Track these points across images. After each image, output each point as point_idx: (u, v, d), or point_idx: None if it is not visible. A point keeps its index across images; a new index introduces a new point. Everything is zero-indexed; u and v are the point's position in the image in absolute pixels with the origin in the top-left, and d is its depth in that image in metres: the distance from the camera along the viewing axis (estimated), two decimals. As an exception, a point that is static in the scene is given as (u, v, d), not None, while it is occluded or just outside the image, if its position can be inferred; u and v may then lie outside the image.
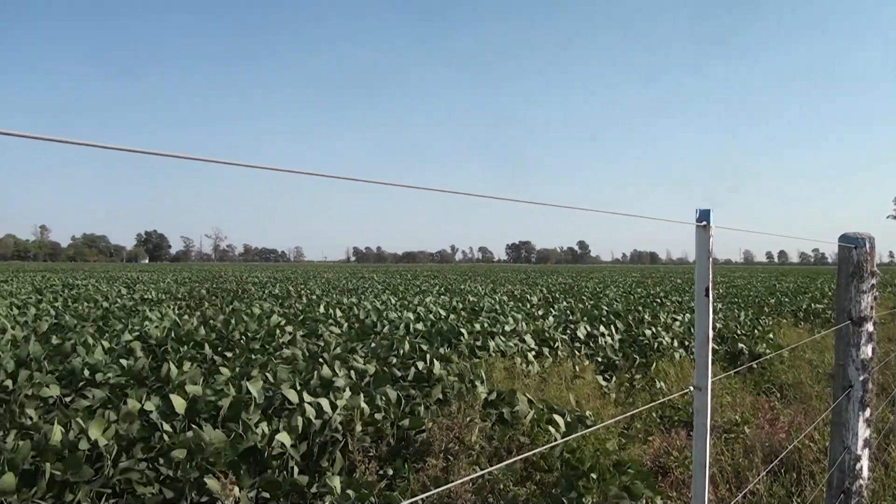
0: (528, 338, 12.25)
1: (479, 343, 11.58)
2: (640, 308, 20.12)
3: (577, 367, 10.81)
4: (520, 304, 21.82)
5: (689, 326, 15.13)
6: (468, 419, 6.99)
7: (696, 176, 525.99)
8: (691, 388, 2.91)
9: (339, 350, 10.10)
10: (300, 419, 6.39)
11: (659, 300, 24.68)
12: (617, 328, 14.43)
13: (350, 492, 5.33)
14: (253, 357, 9.83)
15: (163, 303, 22.97)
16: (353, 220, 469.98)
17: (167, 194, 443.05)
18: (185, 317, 16.33)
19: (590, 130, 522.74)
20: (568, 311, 18.92)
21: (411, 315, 15.93)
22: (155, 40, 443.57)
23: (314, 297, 26.50)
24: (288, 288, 34.01)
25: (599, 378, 10.38)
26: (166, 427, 6.11)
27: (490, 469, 4.37)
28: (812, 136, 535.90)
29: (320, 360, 9.37)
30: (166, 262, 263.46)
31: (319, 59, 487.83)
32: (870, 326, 4.81)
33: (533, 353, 11.44)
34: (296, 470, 5.86)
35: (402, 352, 10.11)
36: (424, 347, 10.63)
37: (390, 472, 6.33)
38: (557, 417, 7.10)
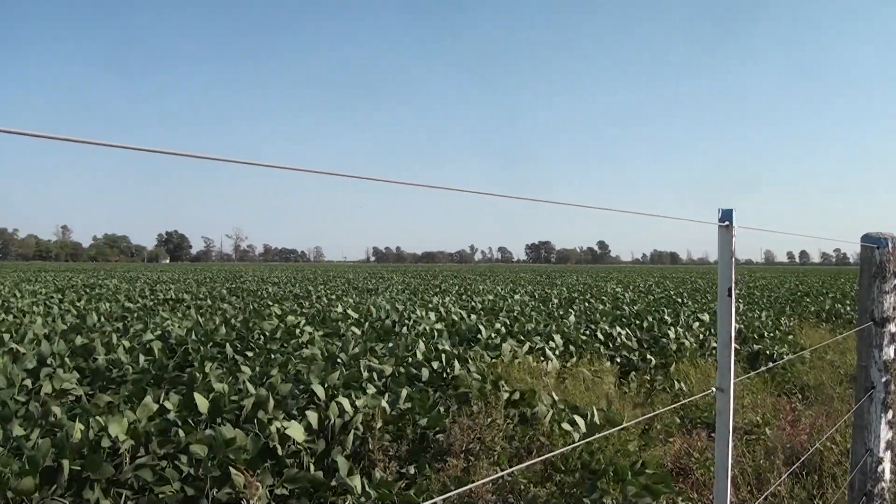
0: (556, 337, 12.23)
1: (498, 343, 11.56)
2: (661, 308, 20.05)
3: (597, 368, 10.77)
4: (540, 305, 21.79)
5: (709, 327, 15.06)
6: (489, 419, 6.98)
7: (716, 177, 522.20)
8: (713, 390, 2.89)
9: (358, 350, 10.11)
10: (314, 415, 6.42)
11: (680, 300, 24.59)
12: (637, 328, 14.39)
13: (370, 491, 5.33)
14: (272, 357, 9.86)
15: (183, 302, 23.08)
16: (373, 221, 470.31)
17: (188, 195, 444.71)
18: (206, 316, 16.40)
19: (602, 131, 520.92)
20: (588, 312, 18.88)
21: (431, 315, 15.93)
22: (156, 40, 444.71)
23: (333, 297, 26.56)
24: (308, 288, 34.10)
25: (620, 378, 10.35)
26: (186, 425, 6.14)
27: (511, 469, 4.36)
28: (832, 135, 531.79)
29: (339, 359, 9.39)
30: (187, 262, 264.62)
31: (320, 59, 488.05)
32: (892, 327, 4.77)
33: (553, 353, 11.41)
34: (311, 468, 5.88)
35: (421, 352, 10.11)
36: (444, 347, 10.63)
37: (410, 471, 6.34)
38: (578, 418, 7.08)
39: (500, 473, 6.07)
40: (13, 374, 8.07)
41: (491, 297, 25.47)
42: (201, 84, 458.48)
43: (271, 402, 6.80)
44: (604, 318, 16.13)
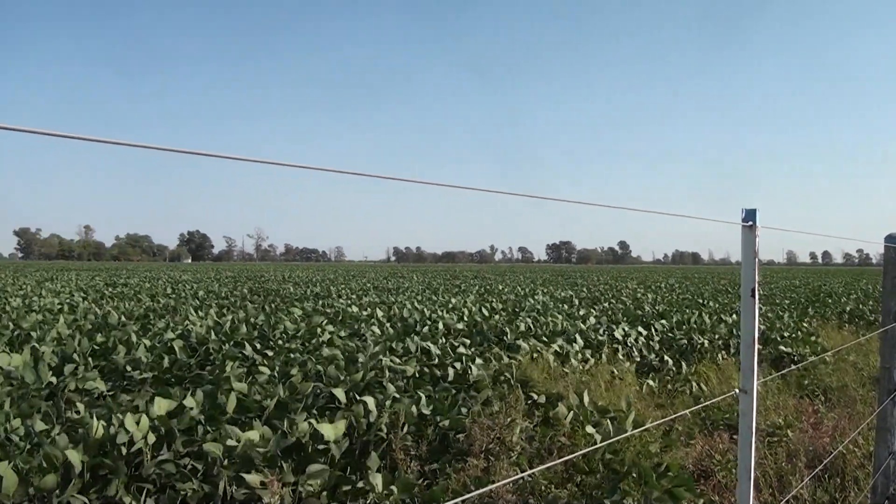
0: (577, 338, 12.21)
1: (519, 343, 11.55)
2: (682, 309, 19.97)
3: (617, 369, 10.75)
4: (561, 305, 21.75)
5: (731, 328, 14.98)
6: (509, 419, 6.97)
7: (734, 178, 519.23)
8: (736, 391, 2.88)
9: (379, 350, 10.12)
10: (344, 416, 6.44)
11: (701, 301, 24.47)
12: (658, 329, 14.34)
13: (392, 489, 5.34)
14: (292, 356, 9.89)
15: (205, 301, 23.19)
16: (394, 221, 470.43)
17: (210, 195, 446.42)
18: (227, 316, 16.47)
19: (609, 132, 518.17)
20: (609, 312, 18.83)
21: (452, 315, 15.93)
22: (157, 40, 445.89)
23: (354, 296, 26.61)
24: (329, 287, 34.18)
25: (641, 379, 10.32)
26: (208, 423, 6.18)
27: (533, 470, 4.35)
28: (855, 134, 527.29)
29: (359, 359, 9.40)
30: (209, 261, 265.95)
31: (320, 59, 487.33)
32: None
33: (574, 353, 11.39)
34: (335, 467, 5.90)
35: (441, 352, 10.11)
36: (464, 348, 10.63)
37: (432, 470, 6.34)
38: (603, 419, 7.06)
39: (521, 474, 6.07)
40: (40, 371, 8.14)
41: (512, 298, 25.43)
42: (201, 83, 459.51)
43: (303, 403, 6.83)
44: (625, 319, 16.07)
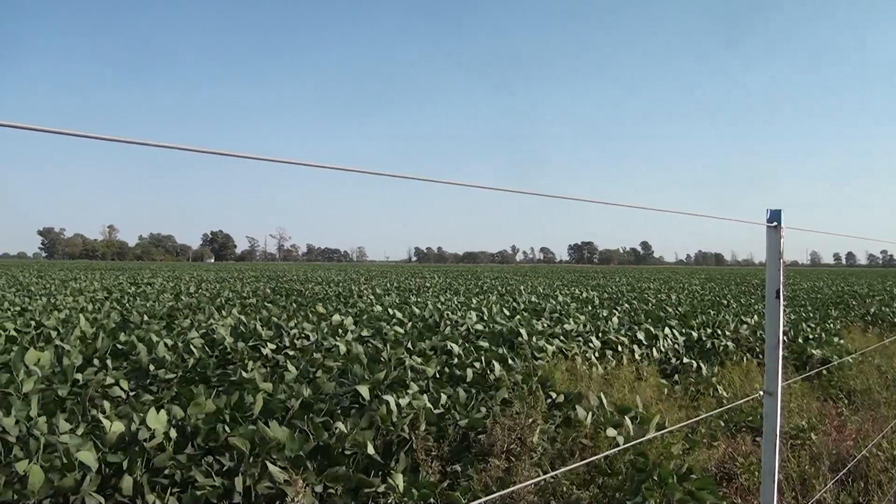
0: (593, 339, 12.17)
1: (541, 344, 11.52)
2: (706, 310, 19.87)
3: (640, 370, 10.70)
4: (583, 306, 21.69)
5: (754, 329, 14.88)
6: (530, 420, 6.96)
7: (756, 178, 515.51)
8: (760, 393, 2.86)
9: (400, 350, 10.13)
10: (374, 417, 6.46)
11: (724, 302, 24.33)
12: (681, 331, 14.27)
13: (413, 490, 5.35)
14: (315, 356, 9.91)
15: (228, 301, 23.28)
16: (415, 220, 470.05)
17: (233, 196, 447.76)
18: (251, 315, 16.53)
19: (621, 133, 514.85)
20: (632, 313, 18.77)
21: (473, 315, 15.92)
22: (158, 41, 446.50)
23: (374, 296, 26.64)
24: (351, 287, 34.24)
25: (663, 381, 10.28)
26: (231, 422, 6.20)
27: (555, 472, 4.34)
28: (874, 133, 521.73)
29: (382, 359, 9.41)
30: (231, 261, 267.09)
31: (331, 61, 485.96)
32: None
33: (596, 354, 11.36)
34: (357, 467, 5.91)
35: (462, 352, 10.10)
36: (485, 347, 10.62)
37: (453, 470, 6.34)
38: (626, 420, 7.03)
39: (543, 476, 6.05)
40: (65, 368, 8.20)
41: (533, 299, 25.38)
42: (205, 85, 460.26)
43: (323, 403, 6.85)
44: (647, 320, 16.01)
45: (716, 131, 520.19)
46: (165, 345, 10.19)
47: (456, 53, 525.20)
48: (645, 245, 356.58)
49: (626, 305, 22.61)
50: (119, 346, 10.22)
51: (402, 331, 13.13)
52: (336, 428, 6.21)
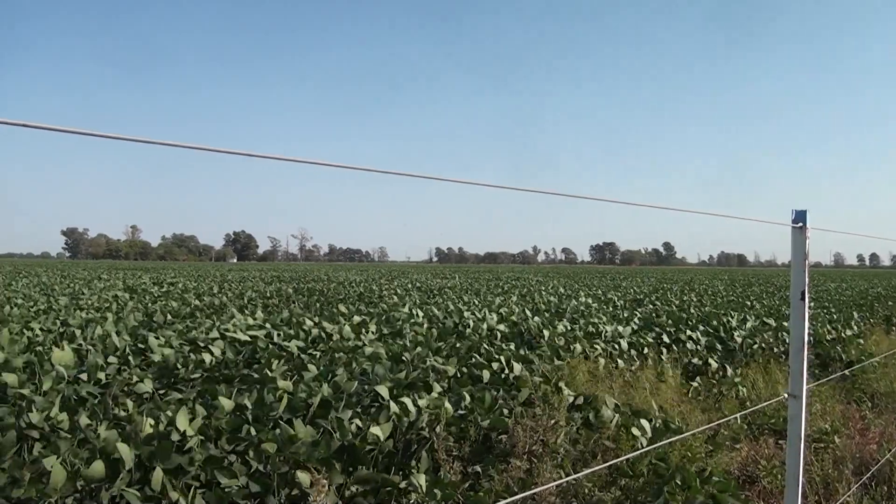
0: (621, 341, 12.13)
1: (562, 345, 11.49)
2: (728, 312, 19.76)
3: (662, 371, 10.65)
4: (604, 307, 21.63)
5: (777, 331, 14.78)
6: (552, 422, 6.94)
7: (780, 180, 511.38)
8: (785, 396, 2.83)
9: (421, 350, 10.13)
10: (392, 416, 6.46)
11: (748, 304, 24.19)
12: (704, 332, 14.19)
13: (435, 490, 5.34)
14: (337, 355, 9.93)
15: (251, 301, 23.37)
16: (436, 220, 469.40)
17: (256, 196, 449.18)
18: (273, 315, 16.58)
19: (627, 133, 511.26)
20: (654, 314, 18.69)
21: (494, 316, 15.90)
22: (157, 40, 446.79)
23: (396, 296, 26.67)
24: (372, 287, 34.30)
25: (686, 382, 10.23)
26: (256, 422, 6.22)
27: (579, 475, 4.32)
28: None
29: (403, 359, 9.42)
30: (254, 261, 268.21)
31: (329, 61, 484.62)
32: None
33: (618, 355, 11.32)
34: (380, 467, 5.92)
35: (483, 353, 10.09)
36: (507, 348, 10.61)
37: (474, 471, 6.33)
38: (644, 422, 7.00)
39: (566, 478, 6.04)
40: (89, 367, 8.26)
41: (555, 300, 25.32)
42: (208, 83, 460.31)
43: (343, 401, 6.86)
44: (669, 321, 15.94)
45: (718, 131, 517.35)
46: (189, 344, 10.25)
47: (457, 53, 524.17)
48: (667, 246, 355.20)
49: (650, 306, 22.54)
50: (142, 345, 10.28)
51: (423, 330, 13.13)
52: (357, 426, 6.23)
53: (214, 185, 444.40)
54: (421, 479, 5.36)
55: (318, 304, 21.69)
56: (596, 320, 15.40)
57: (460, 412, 7.08)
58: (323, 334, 12.13)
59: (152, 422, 5.96)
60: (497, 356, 9.73)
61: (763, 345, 13.19)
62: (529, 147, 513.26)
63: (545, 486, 5.48)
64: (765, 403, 3.86)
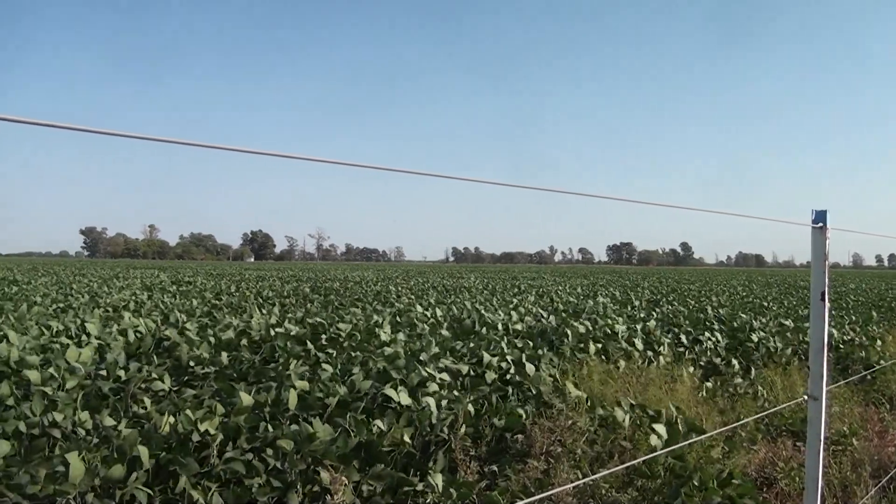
0: (637, 341, 12.09)
1: (580, 345, 11.47)
2: (746, 312, 19.67)
3: (678, 372, 10.61)
4: (622, 307, 21.58)
5: (795, 332, 14.70)
6: (569, 422, 6.93)
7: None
8: (805, 397, 2.81)
9: (438, 350, 10.13)
10: (412, 417, 6.47)
11: (765, 304, 24.08)
12: (721, 333, 14.13)
13: (451, 490, 5.34)
14: (353, 354, 9.94)
15: (268, 300, 23.44)
16: (453, 220, 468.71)
17: (272, 195, 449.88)
18: (290, 314, 16.63)
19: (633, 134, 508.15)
20: (671, 315, 18.64)
21: (511, 316, 15.89)
22: (157, 41, 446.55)
23: (413, 296, 26.69)
24: (389, 287, 34.33)
25: (702, 383, 10.18)
26: (273, 420, 6.24)
27: (596, 476, 4.31)
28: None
29: (420, 359, 9.42)
30: (271, 260, 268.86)
31: (329, 61, 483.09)
32: None
33: (635, 356, 11.28)
34: (397, 466, 5.92)
35: (500, 353, 10.08)
36: (522, 347, 10.59)
37: (491, 471, 6.33)
38: (661, 424, 6.98)
39: (583, 480, 6.02)
40: (107, 365, 8.31)
41: (572, 300, 25.28)
42: (207, 83, 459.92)
43: (364, 401, 6.88)
44: (687, 322, 15.88)
45: (718, 131, 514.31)
46: (208, 342, 10.29)
47: (456, 53, 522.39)
48: (685, 246, 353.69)
49: (667, 307, 22.47)
50: (160, 343, 10.33)
51: (439, 330, 13.13)
52: (375, 425, 6.24)
53: (232, 185, 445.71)
54: (438, 479, 5.36)
55: (335, 304, 21.72)
56: (612, 320, 15.37)
57: (477, 412, 7.08)
58: (339, 334, 12.15)
59: (171, 420, 5.99)
60: (514, 356, 9.71)
61: (781, 346, 13.12)
62: (529, 147, 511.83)
63: (563, 487, 5.47)
64: (784, 405, 3.83)
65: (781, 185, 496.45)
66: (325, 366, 8.79)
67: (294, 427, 5.95)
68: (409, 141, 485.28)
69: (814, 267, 2.73)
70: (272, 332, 11.59)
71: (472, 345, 10.99)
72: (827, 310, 2.68)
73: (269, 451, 5.72)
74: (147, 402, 7.07)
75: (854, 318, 19.39)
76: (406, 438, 6.21)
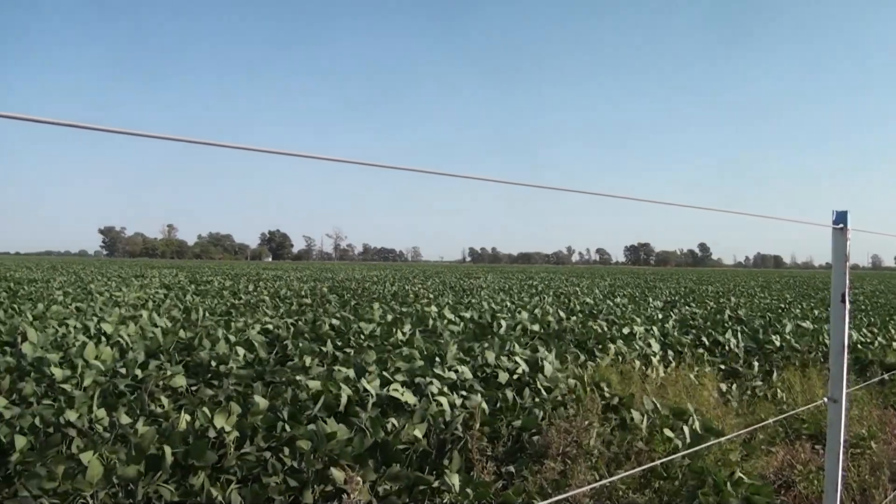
0: (652, 342, 12.05)
1: (598, 346, 11.44)
2: (765, 314, 19.57)
3: (697, 374, 10.56)
4: (639, 308, 21.52)
5: (814, 334, 14.60)
6: (586, 423, 6.91)
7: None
8: (825, 400, 2.79)
9: (455, 349, 10.12)
10: (427, 416, 6.47)
11: (784, 306, 23.95)
12: (741, 334, 14.07)
13: (468, 490, 5.34)
14: (370, 353, 9.95)
15: (286, 299, 23.49)
16: (470, 220, 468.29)
17: (291, 195, 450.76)
18: (308, 313, 16.66)
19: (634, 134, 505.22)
20: (689, 316, 18.57)
21: (527, 316, 15.86)
22: (157, 41, 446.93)
23: (431, 296, 26.69)
24: (406, 287, 34.35)
25: (721, 385, 10.13)
26: (290, 419, 6.25)
27: (614, 478, 4.30)
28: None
29: (437, 358, 9.41)
30: (288, 260, 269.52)
31: (331, 59, 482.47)
32: None
33: (653, 357, 11.24)
34: (414, 466, 5.92)
35: (517, 353, 10.06)
36: (540, 349, 10.57)
37: (508, 471, 6.32)
38: (681, 425, 6.95)
39: (602, 481, 6.01)
40: (126, 363, 8.34)
41: (589, 301, 25.22)
42: (207, 83, 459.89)
43: (372, 400, 6.88)
44: (705, 323, 15.82)
45: (723, 129, 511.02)
46: (227, 341, 10.32)
47: (456, 53, 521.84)
48: (703, 247, 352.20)
49: (686, 308, 22.39)
50: (179, 342, 10.37)
51: (456, 329, 13.13)
52: (393, 424, 6.25)
53: (250, 185, 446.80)
54: (454, 479, 5.36)
55: (352, 303, 21.75)
56: (631, 321, 15.32)
57: (493, 412, 7.07)
58: (357, 333, 12.16)
59: (188, 418, 6.01)
60: (531, 356, 9.70)
61: (799, 348, 13.04)
62: (529, 147, 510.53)
63: (580, 489, 5.45)
64: (804, 407, 3.80)
65: (781, 185, 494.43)
66: (340, 368, 8.80)
67: (311, 427, 5.95)
68: (408, 140, 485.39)
69: (834, 268, 2.70)
70: (290, 332, 11.62)
71: (486, 345, 10.97)
72: (847, 312, 2.66)
73: (286, 451, 5.73)
74: (164, 400, 7.10)
75: (873, 319, 19.24)
76: (417, 434, 6.21)
